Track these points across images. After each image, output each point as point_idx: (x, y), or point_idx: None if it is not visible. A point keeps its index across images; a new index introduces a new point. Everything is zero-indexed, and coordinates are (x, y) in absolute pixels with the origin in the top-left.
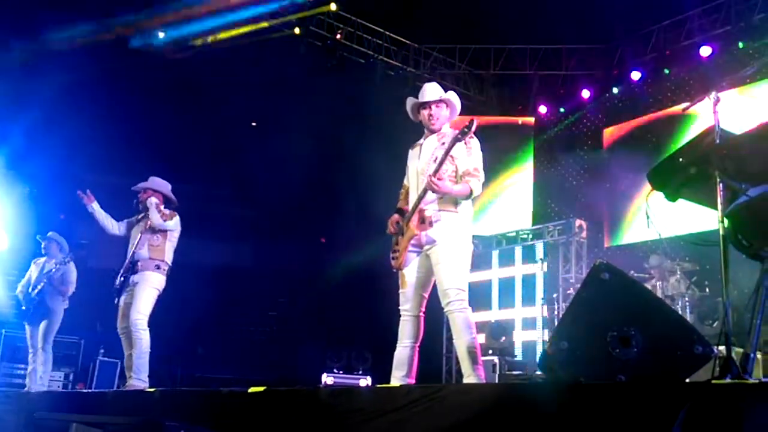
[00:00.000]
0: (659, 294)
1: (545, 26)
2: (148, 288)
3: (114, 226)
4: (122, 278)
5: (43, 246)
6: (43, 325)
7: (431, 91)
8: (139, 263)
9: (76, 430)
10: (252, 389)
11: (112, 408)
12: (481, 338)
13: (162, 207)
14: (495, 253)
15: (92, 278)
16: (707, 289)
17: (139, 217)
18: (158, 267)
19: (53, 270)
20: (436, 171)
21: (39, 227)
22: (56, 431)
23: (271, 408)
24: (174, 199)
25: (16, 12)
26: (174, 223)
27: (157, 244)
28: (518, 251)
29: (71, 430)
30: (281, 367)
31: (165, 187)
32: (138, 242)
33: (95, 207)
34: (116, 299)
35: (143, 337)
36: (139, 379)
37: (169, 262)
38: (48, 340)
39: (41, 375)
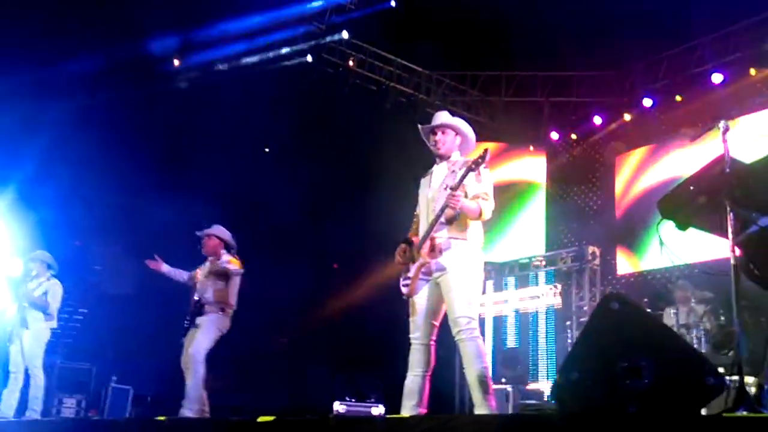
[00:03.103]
0: (675, 322)
1: (556, 53)
2: (213, 328)
3: (183, 277)
4: (188, 320)
5: (30, 267)
6: (25, 345)
7: (437, 117)
8: (205, 306)
9: None
10: (261, 418)
11: None
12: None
13: (223, 251)
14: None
15: (105, 304)
16: (722, 318)
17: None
18: (223, 310)
19: (35, 288)
20: (455, 189)
21: (53, 254)
22: None
23: None
24: (234, 245)
25: (27, 38)
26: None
27: (221, 287)
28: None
29: None
30: (292, 395)
31: (227, 234)
32: (202, 286)
33: (165, 269)
34: (182, 339)
35: (200, 369)
36: (191, 409)
37: (234, 305)
38: (34, 363)
39: (32, 398)
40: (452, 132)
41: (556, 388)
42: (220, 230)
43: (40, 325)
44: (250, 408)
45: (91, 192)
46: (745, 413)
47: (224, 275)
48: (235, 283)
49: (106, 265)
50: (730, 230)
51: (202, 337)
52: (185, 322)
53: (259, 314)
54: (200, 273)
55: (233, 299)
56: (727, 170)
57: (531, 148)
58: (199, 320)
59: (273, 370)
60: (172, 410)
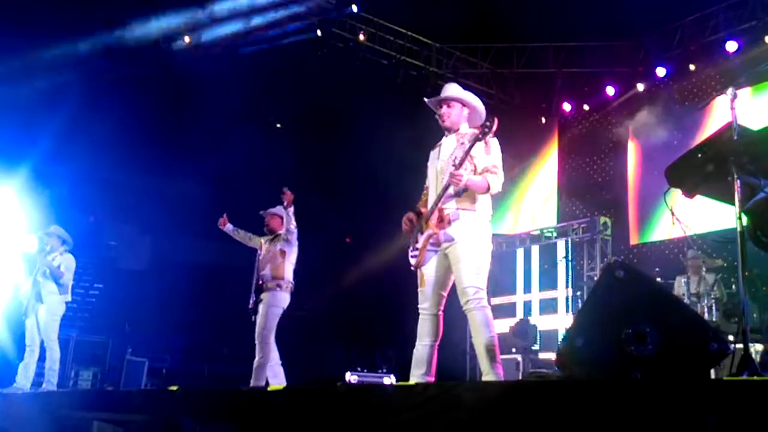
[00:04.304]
0: (686, 291)
1: (568, 24)
2: (272, 308)
3: (252, 241)
4: (253, 298)
5: (45, 241)
6: (40, 319)
7: (444, 90)
8: (264, 283)
9: (98, 428)
10: (271, 387)
11: (135, 406)
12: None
13: (282, 230)
14: (519, 252)
15: (120, 279)
16: (733, 287)
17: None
18: (279, 286)
19: (50, 262)
20: (458, 167)
21: (68, 230)
22: (79, 429)
23: (289, 406)
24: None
25: (42, 17)
26: (293, 238)
27: (278, 263)
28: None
29: (93, 428)
30: (307, 366)
31: (283, 212)
32: (263, 263)
33: (229, 228)
34: (252, 317)
35: (266, 348)
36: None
37: (291, 280)
38: (49, 336)
39: (49, 371)
40: (458, 105)
41: (560, 355)
42: (279, 210)
43: (55, 299)
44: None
45: (106, 169)
46: (746, 377)
47: (282, 252)
48: (292, 259)
49: (121, 241)
50: (736, 197)
51: (267, 320)
52: (251, 301)
53: None
54: (262, 249)
55: (290, 274)
56: (735, 137)
57: (543, 120)
58: (261, 296)
59: (288, 343)
60: (186, 381)
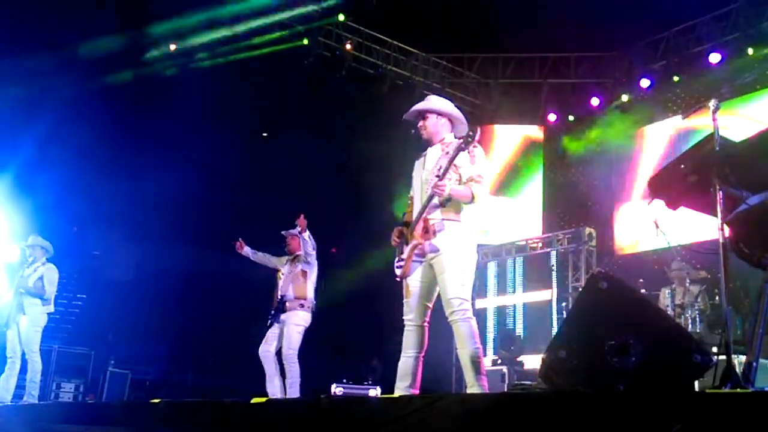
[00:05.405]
0: (670, 302)
1: (554, 34)
2: (296, 326)
3: (271, 262)
4: (272, 315)
5: (28, 253)
6: (22, 330)
7: (419, 104)
8: (286, 303)
9: None
10: (254, 400)
11: (116, 419)
12: None
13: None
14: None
15: (104, 289)
16: (717, 298)
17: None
18: (302, 305)
19: (30, 274)
20: (441, 178)
21: (51, 239)
22: None
23: (273, 418)
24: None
25: (27, 23)
26: (313, 260)
27: (300, 284)
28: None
29: None
30: None
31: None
32: (284, 283)
33: (245, 251)
34: (267, 331)
35: (294, 368)
36: None
37: (312, 299)
38: (31, 347)
39: (30, 383)
40: (433, 116)
41: (544, 366)
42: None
43: (37, 310)
44: (251, 391)
45: (89, 178)
46: (729, 389)
47: (303, 272)
48: (313, 278)
49: (104, 251)
50: (719, 209)
51: (291, 339)
52: (269, 316)
53: (259, 299)
54: (283, 270)
55: (311, 294)
56: (717, 149)
57: (528, 130)
58: (282, 316)
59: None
60: (170, 394)
